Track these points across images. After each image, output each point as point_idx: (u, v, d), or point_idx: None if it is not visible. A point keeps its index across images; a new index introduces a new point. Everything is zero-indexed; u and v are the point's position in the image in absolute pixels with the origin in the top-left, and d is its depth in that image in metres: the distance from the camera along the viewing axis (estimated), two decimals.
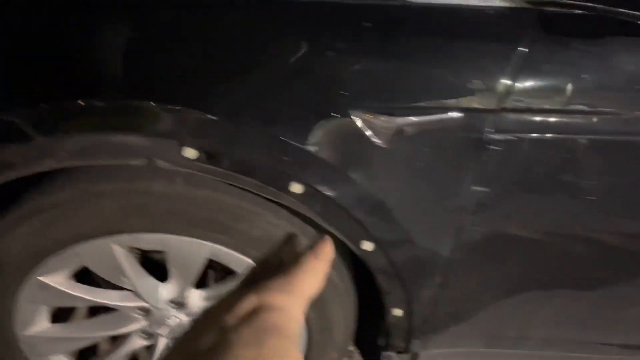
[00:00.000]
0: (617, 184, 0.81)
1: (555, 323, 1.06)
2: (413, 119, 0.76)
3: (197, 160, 0.76)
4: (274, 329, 0.27)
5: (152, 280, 0.96)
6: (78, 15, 0.73)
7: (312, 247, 0.34)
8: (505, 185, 0.82)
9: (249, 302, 0.28)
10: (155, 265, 1.00)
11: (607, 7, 0.71)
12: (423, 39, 0.74)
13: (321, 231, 0.89)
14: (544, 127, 0.77)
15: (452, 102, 0.75)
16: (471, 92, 0.75)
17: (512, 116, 0.76)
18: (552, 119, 0.76)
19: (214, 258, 0.89)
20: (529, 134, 0.77)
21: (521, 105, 0.75)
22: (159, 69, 0.72)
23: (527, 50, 0.73)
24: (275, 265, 0.33)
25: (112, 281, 0.93)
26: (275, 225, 0.86)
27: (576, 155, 0.78)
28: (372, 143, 0.76)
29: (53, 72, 0.71)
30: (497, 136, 0.77)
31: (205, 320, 0.29)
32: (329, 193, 0.79)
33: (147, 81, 0.72)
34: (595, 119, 0.77)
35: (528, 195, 0.83)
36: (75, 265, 0.89)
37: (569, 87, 0.73)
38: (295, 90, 0.73)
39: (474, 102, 0.75)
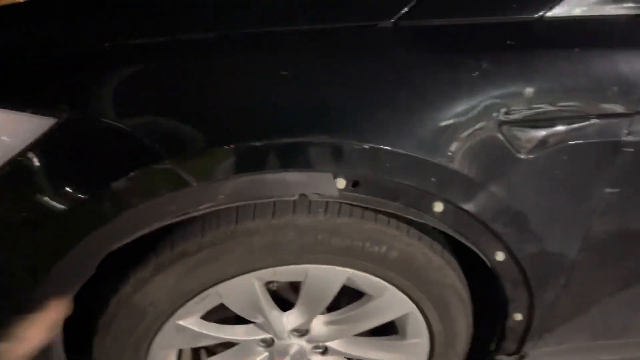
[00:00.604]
0: None
1: None
2: (554, 129, 0.78)
3: (345, 189, 0.77)
4: None
5: (279, 312, 0.95)
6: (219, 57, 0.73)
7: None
8: (634, 185, 0.84)
9: None
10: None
11: None
12: (560, 52, 0.76)
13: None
14: None
15: (590, 109, 0.77)
16: (608, 99, 0.77)
17: None
18: None
19: (349, 284, 0.90)
20: None
21: None
22: (313, 104, 0.72)
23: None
24: None
25: (246, 316, 0.92)
26: (410, 245, 0.87)
27: None
28: (514, 156, 0.78)
29: (210, 117, 0.72)
30: (630, 138, 0.80)
31: None
32: (469, 208, 0.81)
33: (303, 118, 0.72)
34: None
35: None
36: (213, 305, 0.88)
37: None
38: (438, 110, 0.75)
39: (610, 108, 0.78)
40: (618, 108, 0.78)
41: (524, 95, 0.75)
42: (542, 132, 0.77)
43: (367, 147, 0.73)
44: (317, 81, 0.73)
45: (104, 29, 0.76)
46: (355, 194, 0.78)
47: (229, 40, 0.76)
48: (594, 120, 0.78)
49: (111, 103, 0.71)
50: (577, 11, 0.76)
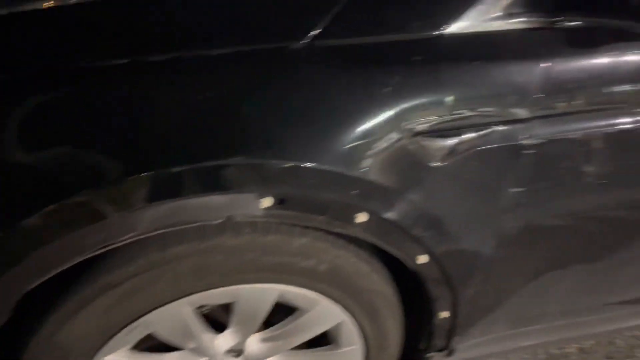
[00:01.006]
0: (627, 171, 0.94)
1: (568, 294, 1.19)
2: (462, 137, 0.83)
3: (271, 208, 0.78)
4: None
5: (211, 334, 0.94)
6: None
7: None
8: (536, 184, 0.92)
9: None
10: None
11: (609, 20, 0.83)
12: (461, 65, 0.81)
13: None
14: (566, 129, 0.87)
15: (493, 117, 0.83)
16: (507, 107, 0.84)
17: (541, 122, 0.86)
18: (572, 121, 0.87)
19: (282, 300, 0.90)
20: (554, 136, 0.88)
21: (548, 112, 0.85)
22: (232, 126, 0.73)
23: (549, 64, 0.83)
24: None
25: (178, 343, 0.90)
26: (338, 256, 0.89)
27: (594, 149, 0.90)
28: (427, 164, 0.83)
29: (125, 145, 0.70)
30: (529, 141, 0.87)
31: None
32: (391, 217, 0.84)
33: (222, 140, 0.72)
34: (599, 115, 0.89)
35: (555, 188, 0.94)
36: (141, 335, 0.86)
37: (591, 90, 0.84)
38: (354, 126, 0.78)
39: (510, 115, 0.84)
40: (517, 114, 0.84)
41: (432, 107, 0.80)
42: (452, 141, 0.82)
43: (288, 165, 0.74)
44: (235, 104, 0.74)
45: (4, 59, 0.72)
46: (282, 212, 0.79)
47: (142, 66, 0.75)
48: (497, 127, 0.84)
49: (16, 137, 0.67)
50: (475, 27, 0.82)
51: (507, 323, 1.20)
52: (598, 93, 0.86)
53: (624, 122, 0.88)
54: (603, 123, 0.88)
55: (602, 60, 0.84)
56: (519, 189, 0.90)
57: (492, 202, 0.91)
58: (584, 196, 0.97)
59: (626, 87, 0.86)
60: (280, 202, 0.78)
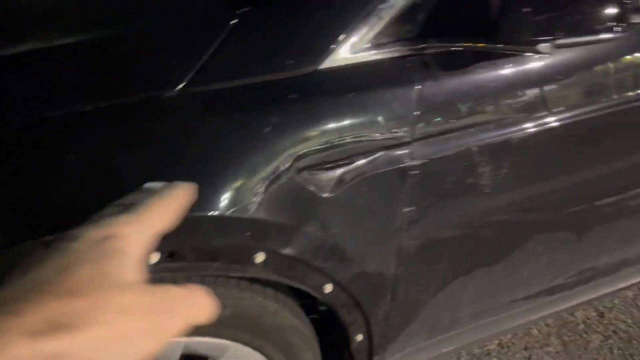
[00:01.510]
0: (507, 178, 1.01)
1: (475, 298, 1.24)
2: (349, 167, 0.85)
3: (160, 261, 0.75)
4: (117, 251, 0.29)
5: None
6: None
7: (169, 189, 0.36)
8: (425, 201, 0.96)
9: (97, 232, 0.30)
10: None
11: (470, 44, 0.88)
12: (338, 98, 0.84)
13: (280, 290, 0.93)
14: (445, 146, 0.92)
15: (376, 144, 0.86)
16: (388, 132, 0.87)
17: (422, 143, 0.90)
18: (450, 139, 0.92)
19: (189, 351, 0.87)
20: (436, 154, 0.92)
21: (426, 132, 0.90)
22: (109, 183, 0.70)
23: (422, 88, 0.87)
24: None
25: None
26: (242, 299, 0.88)
27: (473, 161, 0.95)
28: (318, 197, 0.84)
29: None
30: (413, 162, 0.90)
31: (58, 244, 0.30)
32: (289, 252, 0.84)
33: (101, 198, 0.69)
34: (480, 129, 0.95)
35: (445, 202, 0.98)
36: None
37: (462, 108, 0.89)
38: (239, 169, 0.77)
39: (392, 139, 0.87)
40: (398, 138, 0.88)
41: (315, 140, 0.81)
42: (339, 171, 0.84)
43: None
44: (109, 160, 0.71)
45: None
46: (173, 264, 0.77)
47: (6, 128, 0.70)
48: (380, 153, 0.87)
49: None
50: (347, 60, 0.84)
51: (424, 334, 1.23)
52: (469, 110, 0.91)
53: (497, 134, 0.94)
54: (478, 137, 0.93)
55: (469, 80, 0.90)
56: (411, 208, 0.93)
57: (387, 224, 0.93)
58: (473, 206, 1.02)
59: (491, 102, 0.92)
60: (169, 256, 0.76)
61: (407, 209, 0.93)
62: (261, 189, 0.78)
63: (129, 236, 0.30)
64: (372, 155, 0.86)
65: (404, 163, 0.89)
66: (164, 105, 0.76)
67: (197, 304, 0.31)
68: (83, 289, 0.26)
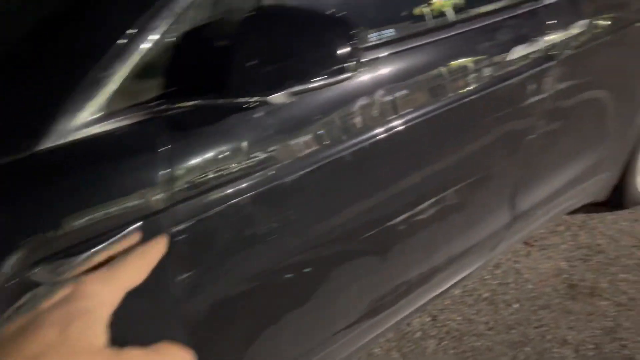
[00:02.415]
0: (288, 221, 1.00)
1: (294, 340, 1.22)
2: (97, 248, 0.78)
3: None
4: (83, 312, 0.28)
5: None
6: None
7: (140, 247, 0.36)
8: (204, 263, 0.92)
9: (65, 290, 0.29)
10: None
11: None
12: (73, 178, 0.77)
13: None
14: (214, 202, 0.89)
15: (126, 217, 0.80)
16: (138, 201, 0.81)
17: (183, 206, 0.86)
18: (216, 193, 0.89)
19: None
20: (203, 213, 0.89)
21: (186, 193, 0.86)
22: None
23: (166, 148, 0.83)
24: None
25: None
26: None
27: (247, 212, 0.94)
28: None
29: None
30: (178, 227, 0.86)
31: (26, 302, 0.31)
32: None
33: None
34: (246, 179, 0.94)
35: (227, 259, 0.95)
36: None
37: (217, 162, 0.87)
38: None
39: (146, 209, 0.82)
40: (153, 206, 0.82)
41: (50, 230, 0.73)
42: (84, 255, 0.77)
43: None
44: None
45: None
46: None
47: None
48: (135, 225, 0.81)
49: None
50: (76, 135, 0.78)
51: None
52: (226, 163, 0.90)
53: (265, 180, 0.94)
54: (244, 187, 0.92)
55: (216, 134, 0.88)
56: (186, 274, 0.89)
57: (161, 300, 0.87)
58: (260, 255, 1.00)
59: (241, 154, 0.91)
60: None
61: (181, 277, 0.88)
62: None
63: (96, 295, 0.29)
64: (123, 230, 0.80)
65: (165, 230, 0.84)
66: None
67: None
68: (44, 356, 0.25)
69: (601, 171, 2.06)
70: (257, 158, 0.93)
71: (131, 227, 0.81)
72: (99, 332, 0.28)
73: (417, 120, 1.17)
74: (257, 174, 0.94)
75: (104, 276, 0.31)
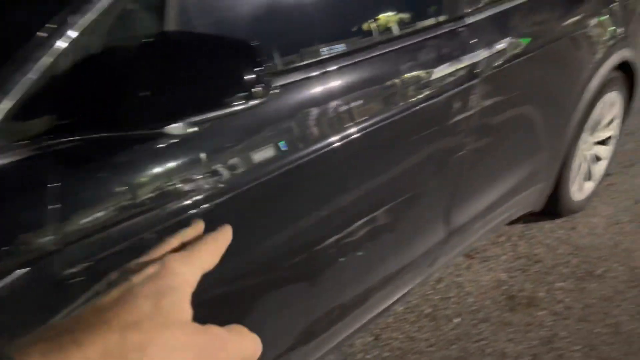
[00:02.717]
0: None
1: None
2: None
3: None
4: (172, 288, 0.30)
5: None
6: None
7: (212, 233, 0.37)
8: None
9: (153, 267, 0.31)
10: None
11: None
12: None
13: None
14: (116, 239, 0.84)
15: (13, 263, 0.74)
16: (25, 245, 0.76)
17: (78, 245, 0.81)
18: (120, 228, 0.84)
19: None
20: (103, 252, 0.84)
21: (83, 231, 0.81)
22: None
23: (56, 185, 0.78)
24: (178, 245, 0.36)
25: None
26: None
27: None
28: None
29: None
30: (72, 270, 0.80)
31: (112, 277, 0.31)
32: None
33: None
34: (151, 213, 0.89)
35: None
36: None
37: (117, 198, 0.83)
38: None
39: (34, 252, 0.76)
40: (41, 249, 0.77)
41: None
42: None
43: None
44: None
45: None
46: None
47: None
48: (21, 270, 0.75)
49: None
50: None
51: None
52: (126, 198, 0.85)
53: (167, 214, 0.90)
54: (147, 222, 0.88)
55: (110, 168, 0.84)
56: None
57: None
58: None
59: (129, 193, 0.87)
60: None
61: None
62: None
63: (181, 275, 0.31)
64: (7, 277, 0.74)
65: (56, 274, 0.79)
66: None
67: (244, 342, 0.32)
68: (140, 324, 0.27)
69: (536, 182, 2.11)
70: (158, 192, 0.88)
71: (13, 274, 0.75)
72: (186, 308, 0.30)
73: (341, 142, 1.16)
74: (158, 209, 0.89)
75: (185, 258, 0.33)
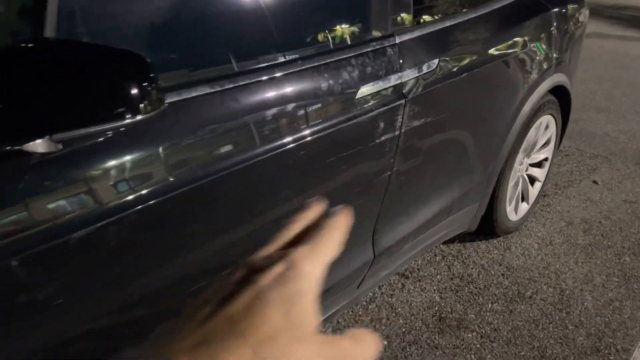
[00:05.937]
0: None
1: None
2: None
3: None
4: (302, 294, 0.28)
5: None
6: None
7: (332, 218, 0.34)
8: None
9: (280, 266, 0.29)
10: None
11: None
12: None
13: None
14: None
15: None
16: None
17: None
18: None
19: None
20: None
21: None
22: None
23: None
24: (300, 233, 0.33)
25: None
26: None
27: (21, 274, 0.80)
28: None
29: None
30: None
31: (237, 276, 0.29)
32: None
33: None
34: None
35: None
36: None
37: None
38: None
39: None
40: None
41: None
42: None
43: None
44: None
45: None
46: None
47: None
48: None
49: None
50: None
51: None
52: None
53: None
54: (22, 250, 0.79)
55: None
56: None
57: None
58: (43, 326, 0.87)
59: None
60: None
61: None
62: None
63: (310, 275, 0.29)
64: None
65: None
66: None
67: (366, 348, 0.30)
68: (274, 340, 0.26)
69: (468, 203, 2.10)
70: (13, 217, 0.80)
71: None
72: (314, 316, 0.28)
73: (251, 162, 1.10)
74: (25, 232, 0.80)
75: (312, 253, 0.30)
